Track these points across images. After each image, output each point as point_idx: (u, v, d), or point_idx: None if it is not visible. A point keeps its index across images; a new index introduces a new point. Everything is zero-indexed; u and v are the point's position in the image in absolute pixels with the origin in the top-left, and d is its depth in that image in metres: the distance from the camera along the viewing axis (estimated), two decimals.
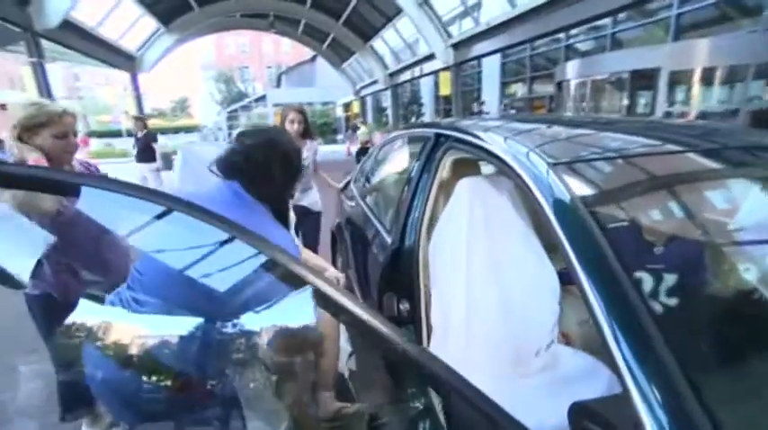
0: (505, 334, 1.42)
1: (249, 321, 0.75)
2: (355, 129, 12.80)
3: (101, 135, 25.20)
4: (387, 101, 17.46)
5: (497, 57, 12.39)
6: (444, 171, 2.01)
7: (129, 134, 8.97)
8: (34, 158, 1.34)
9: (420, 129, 1.69)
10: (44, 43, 6.83)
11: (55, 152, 1.38)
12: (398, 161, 1.98)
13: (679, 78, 7.06)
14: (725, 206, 0.95)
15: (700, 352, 0.64)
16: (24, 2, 6.24)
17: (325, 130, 24.55)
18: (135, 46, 10.58)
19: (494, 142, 1.06)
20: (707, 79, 6.67)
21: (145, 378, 0.80)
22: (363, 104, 20.09)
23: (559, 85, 10.13)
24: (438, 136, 1.40)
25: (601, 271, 0.65)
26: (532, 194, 0.81)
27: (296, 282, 0.50)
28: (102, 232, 1.43)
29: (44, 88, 6.82)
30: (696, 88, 6.88)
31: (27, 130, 1.34)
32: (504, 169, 0.96)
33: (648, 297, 0.66)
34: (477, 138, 1.14)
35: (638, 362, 0.55)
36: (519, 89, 13.46)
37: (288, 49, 35.20)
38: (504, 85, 13.81)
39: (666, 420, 0.50)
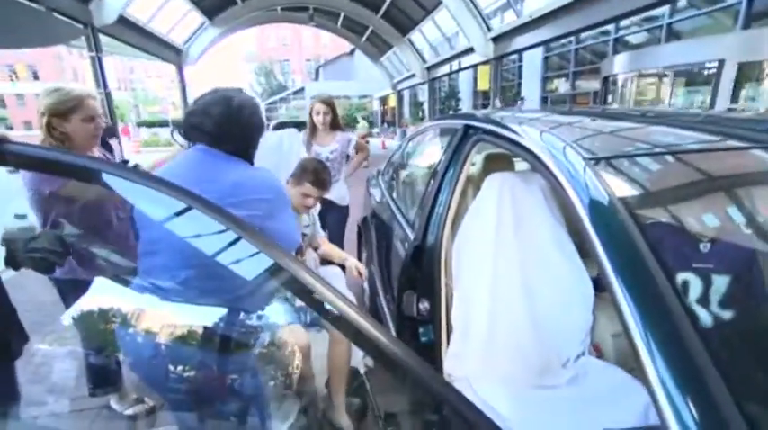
0: (531, 340, 1.33)
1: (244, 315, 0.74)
2: (391, 123, 12.77)
3: (150, 125, 26.72)
4: (424, 95, 17.23)
5: (539, 50, 11.89)
6: (472, 165, 1.92)
7: (175, 124, 9.36)
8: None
9: (449, 121, 1.61)
10: (102, 38, 7.26)
11: (85, 136, 1.40)
12: (426, 153, 1.91)
13: (747, 71, 6.43)
14: None
15: (758, 377, 0.54)
16: (86, 0, 6.65)
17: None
18: (182, 39, 11.05)
19: (524, 134, 0.97)
20: None
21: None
22: (400, 98, 19.94)
23: (606, 80, 9.56)
24: (467, 127, 1.32)
25: (637, 278, 0.57)
26: (564, 192, 0.73)
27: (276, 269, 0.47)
28: (129, 214, 1.47)
29: (101, 80, 7.26)
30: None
31: (58, 116, 1.34)
32: (534, 164, 0.88)
33: (697, 312, 0.57)
34: (507, 129, 1.05)
35: (681, 390, 0.47)
36: (561, 85, 12.86)
37: (327, 42, 35.56)
38: (545, 80, 13.24)
39: None
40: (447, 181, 1.30)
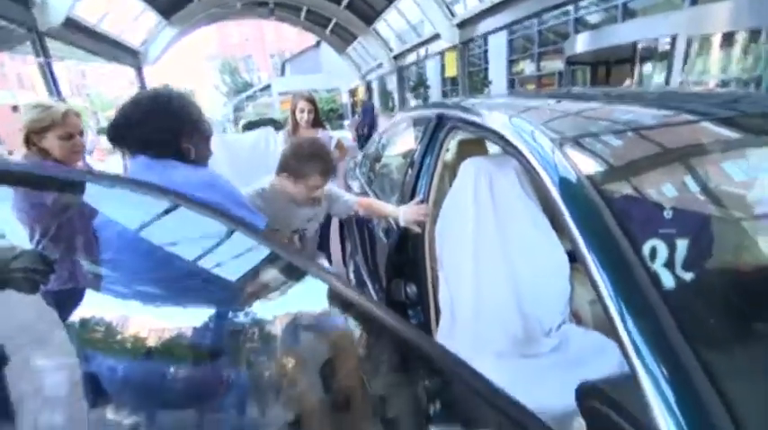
0: (514, 314, 1.40)
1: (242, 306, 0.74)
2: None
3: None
4: (393, 84, 17.17)
5: (504, 33, 12.04)
6: (448, 152, 1.98)
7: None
8: None
9: (423, 111, 1.65)
10: (51, 43, 6.85)
11: (62, 154, 1.39)
12: (402, 144, 1.94)
13: (696, 45, 6.76)
14: (745, 178, 0.91)
15: (711, 329, 0.62)
16: (27, 2, 6.25)
17: (332, 117, 24.39)
18: (138, 41, 10.56)
19: (495, 120, 1.02)
20: (727, 45, 6.38)
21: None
22: (369, 89, 19.80)
23: (569, 61, 9.82)
24: (440, 116, 1.36)
25: (605, 247, 0.63)
26: (535, 171, 0.78)
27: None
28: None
29: (52, 87, 6.87)
30: (715, 55, 6.59)
31: (34, 133, 1.36)
32: (506, 148, 0.93)
33: (660, 276, 0.64)
34: (479, 116, 1.10)
35: (646, 342, 0.53)
36: (527, 66, 13.10)
37: (291, 36, 34.79)
38: (511, 62, 13.45)
39: (675, 400, 0.48)
40: (425, 169, 1.34)
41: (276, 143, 2.20)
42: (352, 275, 2.62)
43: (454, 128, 1.27)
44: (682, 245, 0.85)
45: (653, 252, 0.80)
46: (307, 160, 1.36)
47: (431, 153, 1.33)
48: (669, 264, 0.77)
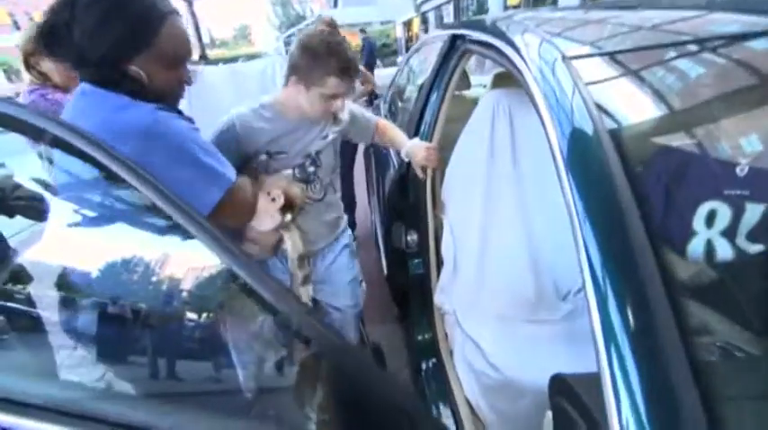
0: (526, 271, 1.25)
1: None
2: None
3: None
4: (450, 17, 15.71)
5: None
6: (483, 87, 1.72)
7: None
8: None
9: (439, 32, 1.40)
10: None
11: (61, 79, 1.30)
12: (416, 71, 1.71)
13: None
14: None
15: (727, 346, 0.45)
16: None
17: (385, 52, 23.09)
18: None
19: (512, 39, 0.80)
20: None
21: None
22: (425, 21, 18.33)
23: None
24: (454, 38, 1.13)
25: (602, 213, 0.47)
26: (532, 97, 0.60)
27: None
28: None
29: None
30: None
31: (31, 55, 1.27)
32: (514, 72, 0.73)
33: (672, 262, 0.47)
34: (494, 34, 0.87)
35: (629, 342, 0.39)
36: None
37: None
38: None
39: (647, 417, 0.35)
40: (432, 101, 1.15)
41: (282, 69, 2.05)
42: (374, 217, 2.53)
43: (468, 51, 1.04)
44: (716, 223, 0.63)
45: (672, 229, 0.61)
46: (319, 57, 0.99)
47: (440, 82, 1.13)
48: (694, 248, 0.58)
